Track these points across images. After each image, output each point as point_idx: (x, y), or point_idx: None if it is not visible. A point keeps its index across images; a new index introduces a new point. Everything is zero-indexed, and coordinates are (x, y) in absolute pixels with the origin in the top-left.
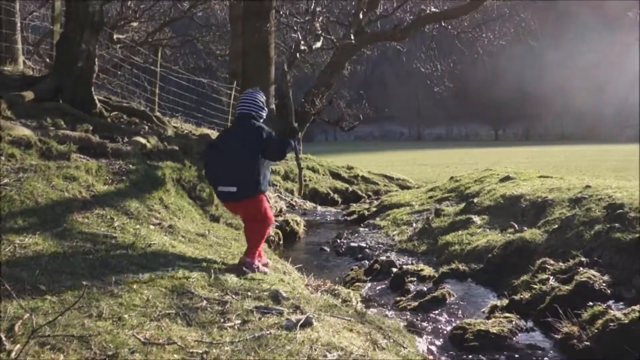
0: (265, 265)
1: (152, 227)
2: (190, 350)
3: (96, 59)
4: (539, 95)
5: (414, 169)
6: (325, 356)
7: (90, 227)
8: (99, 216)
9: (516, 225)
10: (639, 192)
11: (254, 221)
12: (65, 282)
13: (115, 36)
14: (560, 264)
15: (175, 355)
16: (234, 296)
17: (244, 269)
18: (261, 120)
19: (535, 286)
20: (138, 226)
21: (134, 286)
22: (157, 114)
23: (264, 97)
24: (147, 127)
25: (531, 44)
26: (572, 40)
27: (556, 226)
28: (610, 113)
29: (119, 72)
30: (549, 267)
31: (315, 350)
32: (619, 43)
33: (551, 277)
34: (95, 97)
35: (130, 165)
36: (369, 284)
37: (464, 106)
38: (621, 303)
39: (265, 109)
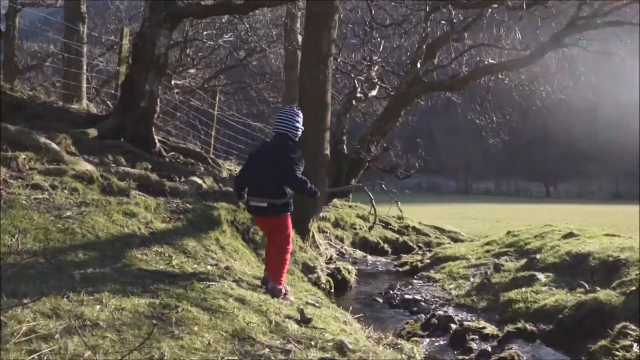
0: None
1: (209, 267)
2: None
3: (158, 100)
4: (592, 154)
5: (463, 222)
6: None
7: (149, 264)
8: (157, 253)
9: (587, 285)
10: None
11: (276, 244)
12: (125, 320)
13: (173, 81)
14: None
15: None
16: (296, 345)
17: (270, 295)
18: (296, 139)
19: (617, 353)
20: (196, 265)
21: (195, 328)
22: (212, 156)
23: (301, 116)
24: (202, 168)
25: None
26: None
27: (634, 288)
28: None
29: (177, 114)
30: (630, 332)
31: None
32: None
33: (635, 344)
34: (155, 137)
35: (188, 205)
36: (427, 340)
37: (514, 161)
38: None
39: (302, 128)
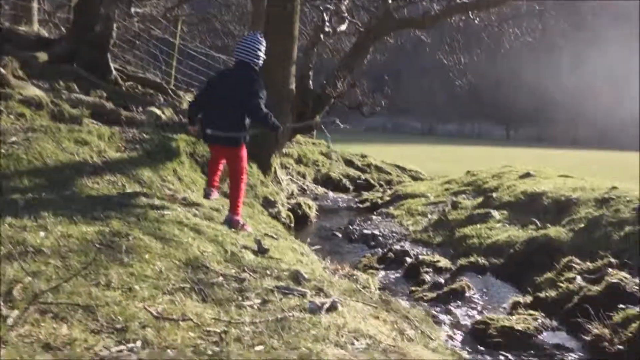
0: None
1: (165, 197)
2: (207, 329)
3: (114, 26)
4: (553, 98)
5: (425, 162)
6: (353, 344)
7: (101, 192)
8: (110, 182)
9: (538, 222)
10: None
11: (232, 173)
12: (72, 247)
13: (133, 9)
14: (588, 263)
15: (190, 333)
16: (251, 274)
17: (228, 225)
18: (257, 68)
19: (561, 285)
20: (151, 195)
21: (146, 256)
22: (173, 87)
23: (264, 44)
24: (162, 99)
25: (556, 44)
26: (589, 46)
27: (582, 225)
28: (625, 120)
29: (137, 42)
30: (575, 266)
31: (342, 336)
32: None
33: (578, 277)
34: (111, 65)
35: (144, 135)
36: (383, 272)
37: (478, 104)
38: None
39: (263, 56)
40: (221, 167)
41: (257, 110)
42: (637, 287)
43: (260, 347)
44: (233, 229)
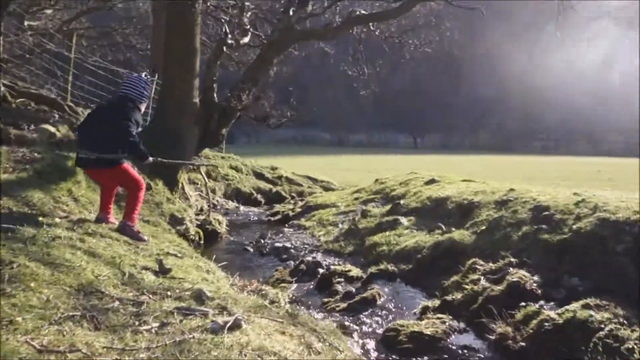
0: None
1: (57, 220)
2: (98, 358)
3: (1, 40)
4: (455, 106)
5: (336, 172)
6: None
7: None
8: None
9: (443, 227)
10: (561, 196)
11: (128, 188)
12: None
13: (27, 22)
14: (490, 264)
15: None
16: (151, 296)
17: (122, 233)
18: (140, 105)
19: (466, 287)
20: (41, 218)
21: (32, 284)
22: (70, 103)
23: (151, 86)
24: (57, 116)
25: (455, 54)
26: (485, 54)
27: (484, 227)
28: (520, 126)
29: (30, 57)
30: (479, 267)
31: (246, 355)
32: (534, 60)
33: (482, 278)
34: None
35: (36, 154)
36: (295, 285)
37: (384, 114)
38: (552, 303)
39: (148, 97)
40: (113, 193)
41: (125, 132)
42: (535, 285)
43: None
44: (128, 236)
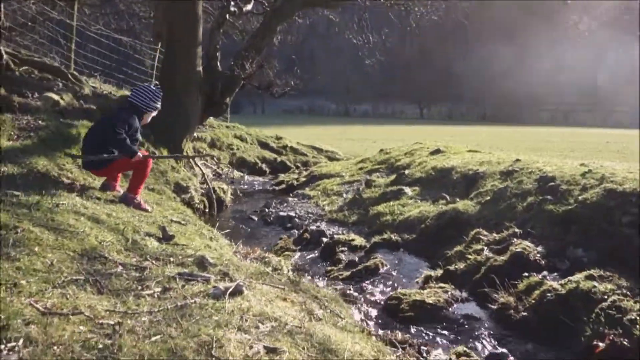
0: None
1: (62, 186)
2: (100, 322)
3: (2, 6)
4: (462, 77)
5: (341, 143)
6: (258, 327)
7: None
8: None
9: (448, 197)
10: (567, 167)
11: (135, 169)
12: None
13: None
14: (494, 234)
15: (81, 327)
16: (154, 262)
17: (124, 203)
18: (148, 116)
19: (469, 257)
20: (45, 184)
21: (36, 249)
22: (73, 71)
23: (160, 97)
24: (61, 85)
25: (461, 21)
26: (495, 23)
27: (488, 198)
28: (527, 97)
29: (34, 26)
30: (483, 237)
31: (247, 321)
32: (542, 32)
33: (485, 248)
34: (2, 48)
35: (40, 122)
36: (299, 254)
37: (391, 84)
38: (556, 274)
39: (157, 107)
40: (119, 176)
41: (114, 132)
42: (539, 256)
43: (156, 337)
44: (130, 206)
